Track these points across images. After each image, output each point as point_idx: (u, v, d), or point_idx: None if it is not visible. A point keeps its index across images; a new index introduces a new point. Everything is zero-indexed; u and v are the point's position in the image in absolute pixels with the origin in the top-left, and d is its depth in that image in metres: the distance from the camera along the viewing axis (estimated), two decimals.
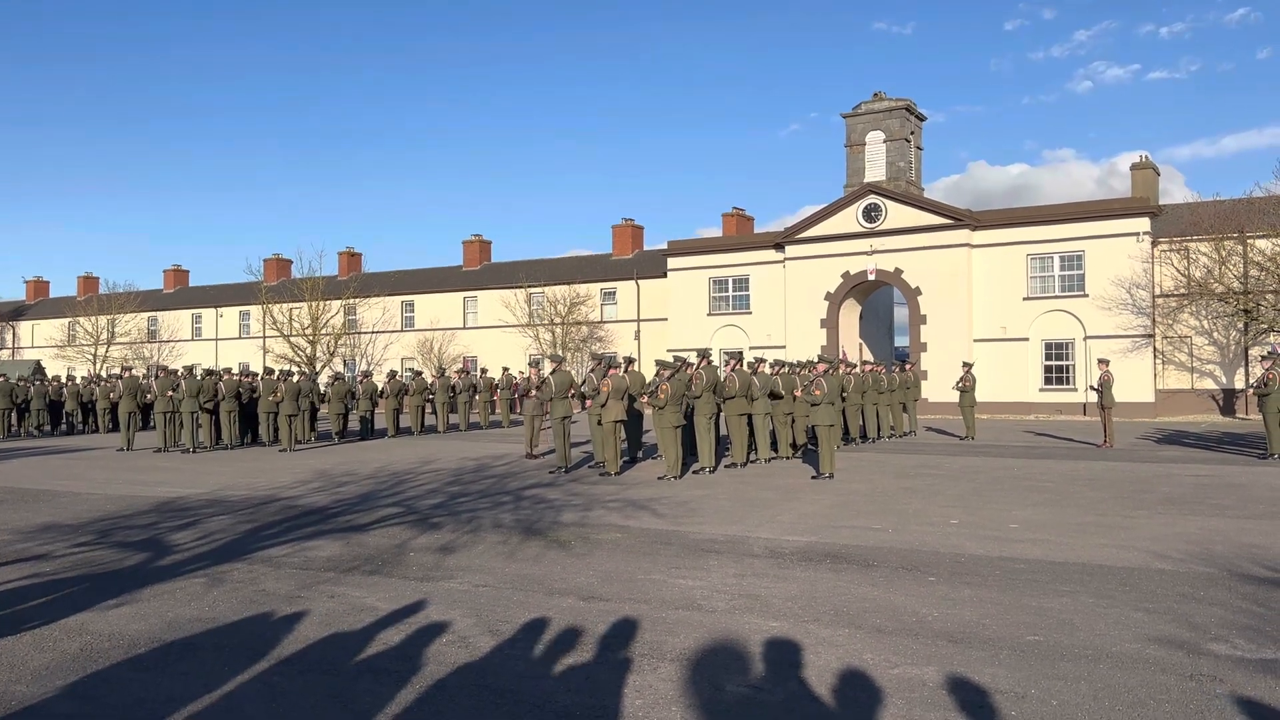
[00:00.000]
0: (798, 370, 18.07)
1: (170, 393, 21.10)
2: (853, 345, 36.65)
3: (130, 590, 7.18)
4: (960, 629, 5.88)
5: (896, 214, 35.43)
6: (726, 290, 39.58)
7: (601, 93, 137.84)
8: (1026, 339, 33.75)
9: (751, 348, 36.03)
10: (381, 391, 26.19)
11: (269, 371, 23.22)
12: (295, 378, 22.53)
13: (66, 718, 4.60)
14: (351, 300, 48.12)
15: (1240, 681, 4.84)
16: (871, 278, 35.90)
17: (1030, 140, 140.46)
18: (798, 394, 16.75)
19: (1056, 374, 33.64)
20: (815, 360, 18.24)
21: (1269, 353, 17.96)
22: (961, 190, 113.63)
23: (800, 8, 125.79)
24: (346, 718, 4.52)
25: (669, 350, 35.78)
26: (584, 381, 16.91)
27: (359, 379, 26.86)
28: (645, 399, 15.34)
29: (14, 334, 61.23)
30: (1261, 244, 30.62)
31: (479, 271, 49.50)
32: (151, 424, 24.46)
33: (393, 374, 27.50)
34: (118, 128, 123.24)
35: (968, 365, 22.76)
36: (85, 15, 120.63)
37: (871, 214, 35.87)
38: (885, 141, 36.58)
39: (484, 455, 18.66)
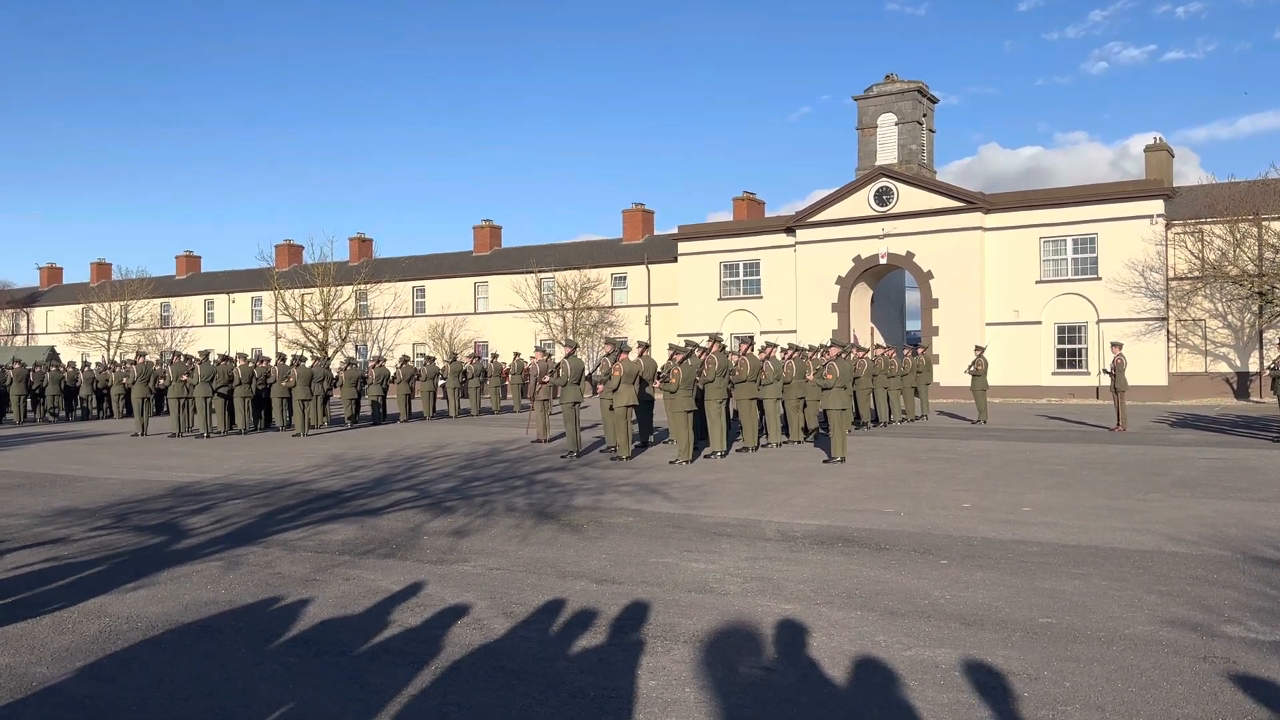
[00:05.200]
0: (810, 354, 18.04)
1: (184, 378, 21.20)
2: (864, 329, 36.54)
3: (148, 573, 7.25)
4: (973, 611, 5.88)
5: (908, 197, 35.25)
6: (737, 275, 39.49)
7: (612, 76, 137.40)
8: (1039, 322, 33.59)
9: (762, 332, 35.99)
10: (393, 377, 26.27)
11: (282, 357, 23.32)
12: (308, 363, 22.61)
13: (86, 699, 4.65)
14: (363, 286, 48.20)
15: (1254, 663, 4.84)
16: (883, 261, 35.76)
17: (1043, 122, 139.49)
18: (809, 378, 16.74)
19: (1069, 357, 33.49)
20: (827, 344, 18.19)
21: None
22: (973, 173, 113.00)
23: None
24: (363, 698, 4.56)
25: (680, 335, 35.76)
26: (597, 366, 16.92)
27: (371, 364, 26.95)
28: (657, 383, 15.34)
29: (28, 320, 61.58)
30: (1277, 226, 30.34)
31: (489, 257, 49.50)
32: (165, 409, 24.61)
33: (404, 359, 27.57)
34: (129, 114, 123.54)
35: (980, 349, 22.68)
36: (96, 1, 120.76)
37: (883, 197, 35.70)
38: (897, 124, 36.35)
39: (496, 440, 18.72)
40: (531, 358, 24.75)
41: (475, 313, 47.53)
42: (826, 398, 14.73)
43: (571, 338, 39.40)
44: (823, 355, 16.71)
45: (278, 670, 4.99)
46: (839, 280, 36.43)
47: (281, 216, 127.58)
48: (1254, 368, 31.62)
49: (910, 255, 35.20)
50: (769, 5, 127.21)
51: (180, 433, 21.22)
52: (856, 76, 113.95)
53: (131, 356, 35.14)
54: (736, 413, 16.50)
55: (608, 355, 15.51)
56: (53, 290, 63.36)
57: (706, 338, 16.61)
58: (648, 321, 43.00)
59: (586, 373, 17.29)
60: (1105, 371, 20.39)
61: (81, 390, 29.34)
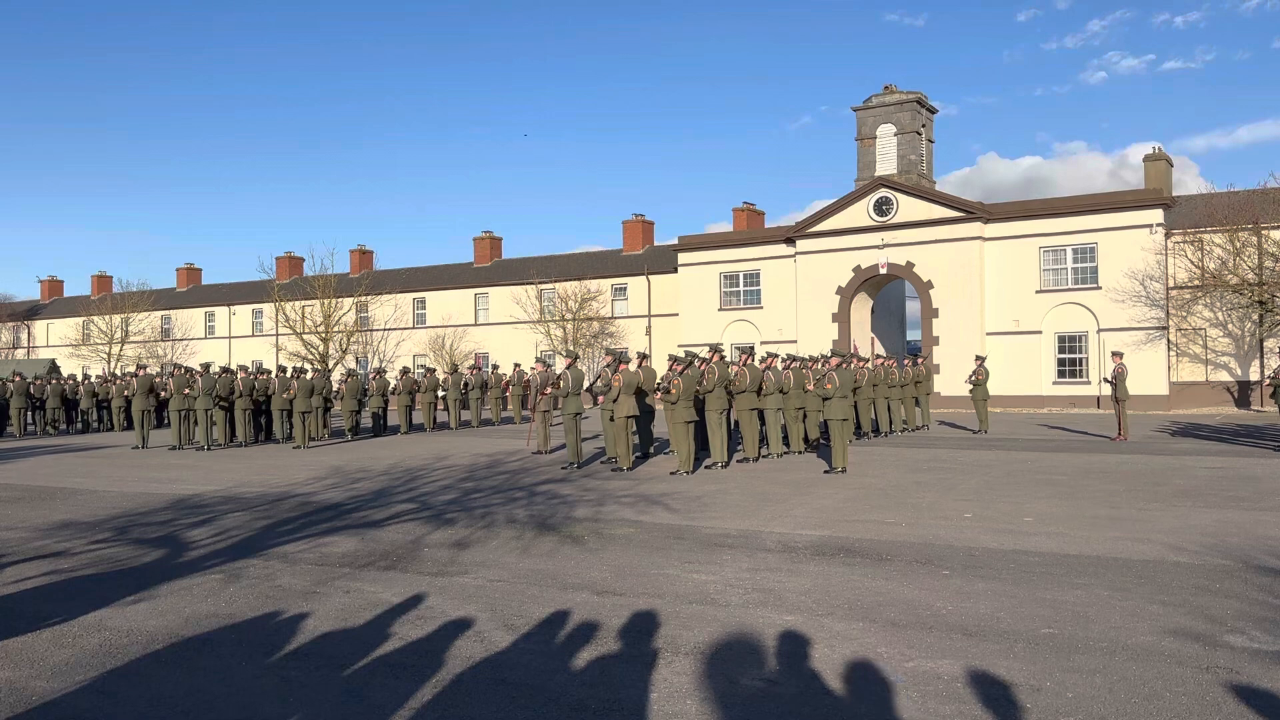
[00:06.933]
0: (809, 365, 18.04)
1: (185, 390, 21.21)
2: (864, 339, 36.56)
3: (148, 587, 7.24)
4: (975, 622, 5.87)
5: (908, 207, 35.32)
6: (737, 285, 39.53)
7: (611, 87, 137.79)
8: (1039, 332, 33.61)
9: (763, 342, 35.98)
10: (394, 388, 26.28)
11: (282, 369, 23.34)
12: (308, 375, 22.63)
13: (86, 713, 4.64)
14: (363, 298, 48.27)
15: (1256, 673, 4.83)
16: (883, 271, 35.81)
17: (1042, 132, 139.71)
18: (809, 388, 16.73)
19: (1070, 367, 33.48)
20: (828, 354, 18.19)
21: None
22: (972, 183, 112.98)
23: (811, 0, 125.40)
24: (364, 712, 4.55)
25: (680, 345, 35.77)
26: (597, 377, 16.91)
27: (371, 376, 26.96)
28: (657, 394, 15.33)
29: (29, 333, 61.63)
30: (1276, 234, 30.39)
31: (490, 268, 49.57)
32: (166, 422, 24.63)
33: (405, 371, 27.58)
34: (130, 126, 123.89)
35: (980, 359, 22.68)
36: (97, 13, 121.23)
37: (883, 207, 35.77)
38: (896, 134, 36.44)
39: (496, 451, 18.71)
40: (532, 369, 24.73)
41: (476, 324, 47.56)
42: (827, 408, 14.72)
43: (572, 349, 39.42)
44: (823, 365, 16.71)
45: (278, 684, 4.98)
46: (839, 290, 36.47)
47: (282, 229, 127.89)
48: (1255, 377, 31.59)
49: (910, 265, 35.24)
50: (768, 16, 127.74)
51: (181, 445, 21.21)
52: (855, 87, 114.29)
53: (132, 369, 35.13)
54: (737, 423, 16.49)
55: (608, 366, 15.50)
56: (53, 303, 63.43)
57: (707, 348, 16.60)
58: (648, 332, 43.03)
59: (587, 384, 17.28)
60: (1106, 381, 20.39)
61: (82, 403, 29.34)
